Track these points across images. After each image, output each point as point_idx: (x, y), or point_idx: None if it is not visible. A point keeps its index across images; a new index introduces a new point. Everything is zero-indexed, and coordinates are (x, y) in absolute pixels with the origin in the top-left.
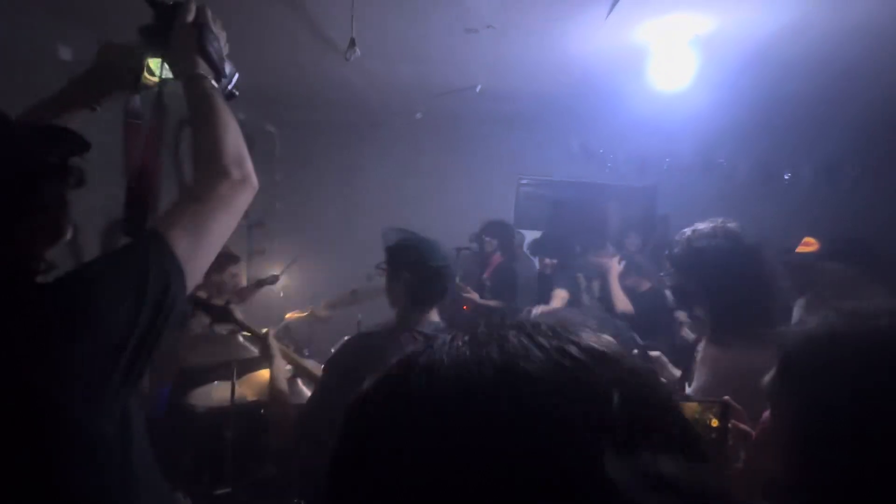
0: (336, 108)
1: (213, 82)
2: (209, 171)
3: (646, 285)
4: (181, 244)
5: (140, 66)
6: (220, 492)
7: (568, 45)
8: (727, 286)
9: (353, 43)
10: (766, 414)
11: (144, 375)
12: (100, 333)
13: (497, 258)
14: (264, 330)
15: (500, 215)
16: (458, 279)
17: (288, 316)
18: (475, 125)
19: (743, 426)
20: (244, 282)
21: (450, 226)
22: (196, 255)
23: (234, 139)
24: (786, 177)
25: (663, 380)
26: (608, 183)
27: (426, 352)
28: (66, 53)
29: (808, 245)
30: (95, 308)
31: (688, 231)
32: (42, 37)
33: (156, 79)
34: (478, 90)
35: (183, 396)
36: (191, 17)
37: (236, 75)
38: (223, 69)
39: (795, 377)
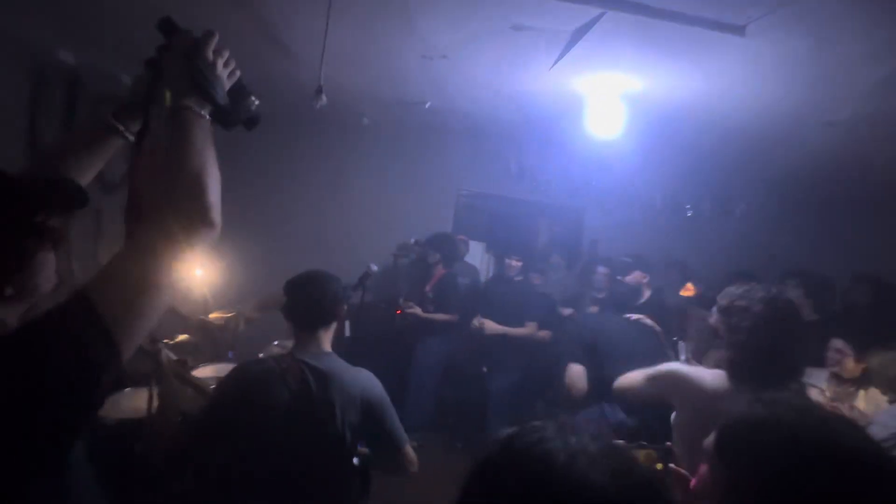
0: (275, 100)
1: (201, 112)
2: (156, 209)
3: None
4: (112, 306)
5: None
6: None
7: (515, 82)
8: (758, 348)
9: (320, 90)
10: (705, 469)
11: (72, 448)
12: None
13: (440, 270)
14: (160, 342)
15: (438, 223)
16: (401, 299)
17: (212, 315)
18: (420, 135)
19: (681, 470)
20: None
21: (388, 231)
22: (133, 314)
23: (192, 170)
24: (688, 208)
25: None
26: (541, 200)
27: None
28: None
29: (688, 290)
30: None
31: (742, 290)
32: None
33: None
34: (427, 106)
35: None
36: (182, 49)
37: (255, 104)
38: (218, 99)
39: (726, 449)
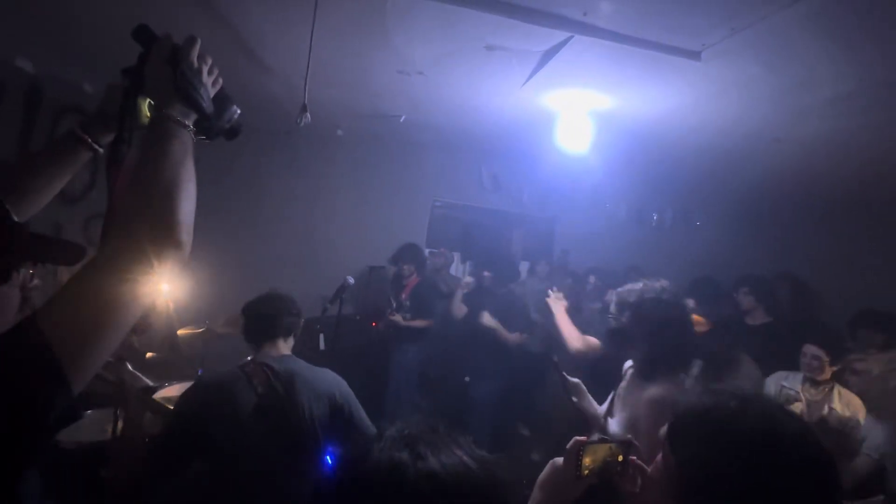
0: (249, 113)
1: (185, 122)
2: (125, 229)
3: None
4: (64, 335)
5: (134, 107)
6: None
7: (488, 98)
8: (664, 336)
9: (305, 108)
10: (659, 457)
11: (19, 482)
12: None
13: (413, 279)
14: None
15: (413, 234)
16: (393, 307)
17: (181, 331)
18: (395, 147)
19: (641, 463)
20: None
21: (364, 242)
22: (87, 344)
23: (166, 187)
24: (654, 218)
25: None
26: (514, 211)
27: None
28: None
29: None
30: None
31: (638, 286)
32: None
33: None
34: (402, 120)
35: None
36: (165, 55)
37: (236, 113)
38: (204, 108)
39: (676, 438)
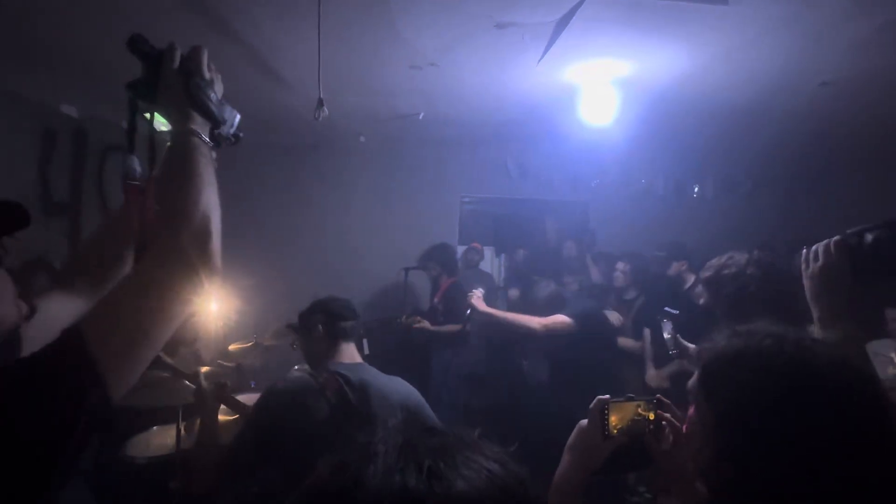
0: (272, 129)
1: (205, 136)
2: (161, 246)
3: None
4: (107, 345)
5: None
6: None
7: (505, 81)
8: (746, 318)
9: (321, 103)
10: (692, 410)
11: (51, 493)
12: None
13: (446, 281)
14: (199, 370)
15: (444, 233)
16: (404, 316)
17: (231, 346)
18: (417, 148)
19: (671, 418)
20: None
21: (396, 245)
22: (128, 356)
23: (201, 210)
24: (695, 190)
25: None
26: (544, 198)
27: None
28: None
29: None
30: None
31: (724, 259)
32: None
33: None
34: (420, 117)
35: (118, 446)
36: (175, 65)
37: (237, 118)
38: (219, 117)
39: (709, 386)
